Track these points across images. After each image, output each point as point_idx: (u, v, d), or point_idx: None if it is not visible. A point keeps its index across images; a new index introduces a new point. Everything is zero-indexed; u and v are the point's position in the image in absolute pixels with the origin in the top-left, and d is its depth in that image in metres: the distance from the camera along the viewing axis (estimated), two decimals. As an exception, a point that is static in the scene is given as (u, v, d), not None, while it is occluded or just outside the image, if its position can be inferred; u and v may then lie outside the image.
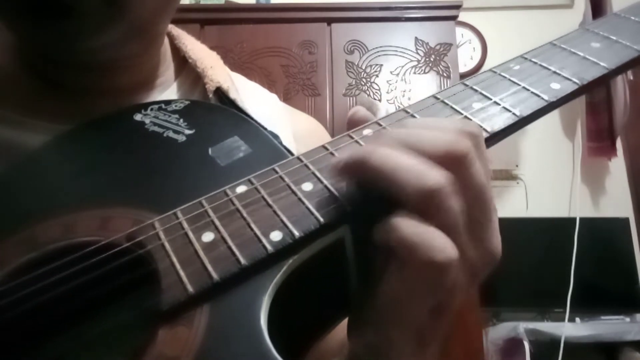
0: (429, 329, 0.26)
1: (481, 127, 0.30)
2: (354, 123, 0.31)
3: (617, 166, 2.27)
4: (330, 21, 1.74)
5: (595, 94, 2.14)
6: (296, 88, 1.66)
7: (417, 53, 1.70)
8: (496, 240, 0.26)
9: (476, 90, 0.33)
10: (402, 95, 1.68)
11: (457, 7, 1.72)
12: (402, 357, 0.26)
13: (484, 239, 0.26)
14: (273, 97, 0.54)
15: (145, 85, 0.43)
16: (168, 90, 0.45)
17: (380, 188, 0.24)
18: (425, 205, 0.23)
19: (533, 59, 0.36)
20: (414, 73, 1.69)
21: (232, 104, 0.43)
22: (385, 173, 0.24)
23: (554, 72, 0.34)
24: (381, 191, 0.24)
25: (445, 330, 0.27)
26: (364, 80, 1.68)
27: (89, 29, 0.34)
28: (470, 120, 0.31)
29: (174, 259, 0.25)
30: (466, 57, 2.21)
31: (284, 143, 0.35)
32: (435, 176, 0.23)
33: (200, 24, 1.69)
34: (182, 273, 0.24)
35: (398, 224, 0.23)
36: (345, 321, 0.30)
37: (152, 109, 0.37)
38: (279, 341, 0.23)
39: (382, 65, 1.70)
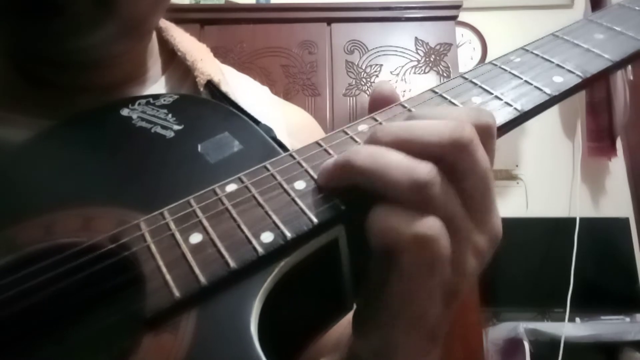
0: (442, 321, 0.26)
1: None
2: (379, 100, 0.30)
3: (617, 166, 2.27)
4: (330, 21, 1.73)
5: (595, 94, 2.14)
6: (296, 88, 1.66)
7: (417, 53, 1.70)
8: (497, 220, 0.27)
9: (476, 84, 0.32)
10: (402, 95, 1.67)
11: (457, 7, 1.72)
12: (415, 356, 0.26)
13: (487, 222, 0.26)
14: (265, 90, 0.53)
15: (132, 80, 0.43)
16: (156, 84, 0.44)
17: (371, 188, 0.24)
18: (419, 199, 0.23)
19: (534, 51, 0.34)
20: (414, 73, 1.69)
21: (224, 97, 0.42)
22: (372, 173, 0.24)
23: (557, 65, 0.33)
24: (372, 190, 0.24)
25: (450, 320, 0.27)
26: (364, 80, 1.68)
27: (79, 28, 0.34)
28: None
29: (160, 262, 0.24)
30: (466, 57, 2.21)
31: (278, 137, 0.34)
32: (423, 169, 0.23)
33: (200, 24, 1.68)
34: (168, 276, 0.23)
35: (384, 214, 0.23)
36: (341, 321, 0.29)
37: (139, 104, 0.35)
38: (269, 347, 0.22)
39: (382, 65, 1.70)
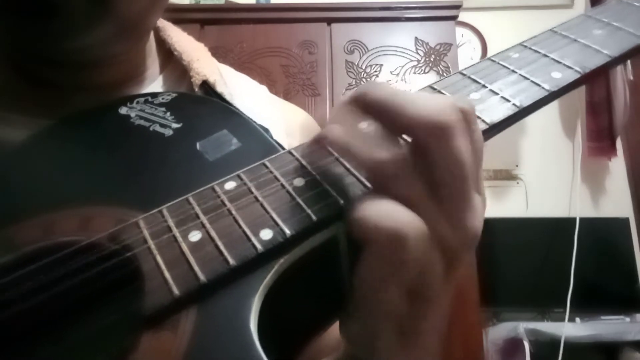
0: (408, 317, 0.25)
1: (480, 118, 0.29)
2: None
3: (617, 166, 2.27)
4: (330, 21, 1.73)
5: (595, 94, 2.14)
6: (296, 88, 1.66)
7: (417, 53, 1.70)
8: (474, 221, 0.25)
9: (474, 80, 0.32)
10: (402, 95, 1.68)
11: (457, 7, 1.72)
12: (389, 350, 0.25)
13: (458, 218, 0.24)
14: (262, 89, 0.53)
15: (130, 79, 0.43)
16: (153, 83, 0.44)
17: (344, 157, 0.25)
18: (382, 180, 0.23)
19: (533, 47, 0.34)
20: (414, 73, 1.69)
21: (219, 97, 0.42)
22: (341, 150, 0.25)
23: (555, 61, 0.33)
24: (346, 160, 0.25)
25: (433, 321, 0.26)
26: (364, 80, 1.68)
27: (76, 28, 0.34)
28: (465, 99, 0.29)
29: (159, 260, 0.24)
30: (466, 57, 2.21)
31: (275, 137, 0.34)
32: (388, 149, 0.23)
33: (200, 24, 1.68)
34: (167, 274, 0.23)
35: (358, 203, 0.23)
36: None
37: (138, 102, 0.35)
38: (269, 345, 0.22)
39: (382, 65, 1.70)
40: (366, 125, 0.25)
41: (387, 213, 0.22)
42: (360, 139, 0.24)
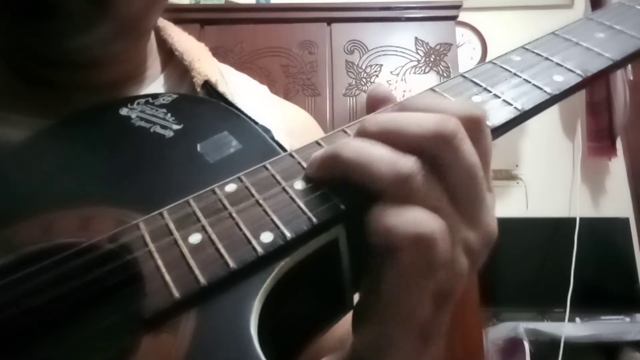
0: (432, 322, 0.25)
1: None
2: (375, 101, 0.30)
3: (617, 166, 2.27)
4: (330, 21, 1.73)
5: (595, 94, 2.14)
6: (296, 88, 1.66)
7: (417, 53, 1.70)
8: (491, 220, 0.26)
9: (475, 83, 0.32)
10: (402, 96, 1.68)
11: (457, 7, 1.72)
12: (406, 354, 0.25)
13: (477, 219, 0.25)
14: (263, 89, 0.53)
15: (131, 79, 0.42)
16: (154, 83, 0.44)
17: (356, 182, 0.24)
18: (403, 192, 0.23)
19: (535, 50, 0.34)
20: (414, 73, 1.69)
21: (221, 97, 0.42)
22: (357, 165, 0.24)
23: (557, 64, 0.33)
24: (358, 184, 0.24)
25: (447, 323, 0.27)
26: (364, 80, 1.68)
27: (75, 28, 0.34)
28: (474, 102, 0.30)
29: (159, 262, 0.24)
30: (466, 57, 2.21)
31: (276, 138, 0.34)
32: (406, 163, 0.23)
33: (200, 24, 1.68)
34: (167, 277, 0.23)
35: (379, 213, 0.23)
36: (343, 319, 0.29)
37: (138, 103, 0.35)
38: (269, 348, 0.22)
39: (382, 65, 1.70)
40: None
41: (414, 220, 0.23)
42: (378, 159, 0.24)
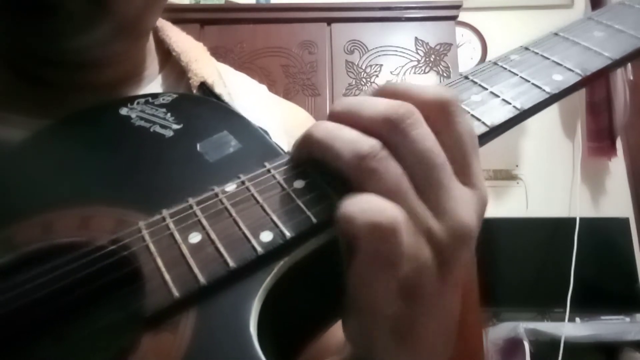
0: (404, 318, 0.24)
1: (480, 120, 0.29)
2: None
3: (617, 166, 2.28)
4: (330, 21, 1.73)
5: (595, 94, 2.14)
6: (296, 88, 1.66)
7: (417, 53, 1.70)
8: (462, 211, 0.24)
9: (475, 82, 0.32)
10: (402, 95, 1.68)
11: (457, 7, 1.72)
12: (386, 351, 0.25)
13: (441, 208, 0.24)
14: (262, 88, 0.52)
15: (129, 79, 0.42)
16: (152, 83, 0.44)
17: (326, 160, 0.25)
18: (360, 172, 0.24)
19: (534, 50, 0.34)
20: (414, 73, 1.69)
21: (218, 99, 0.42)
22: (324, 144, 0.25)
23: (556, 63, 0.33)
24: (327, 162, 0.25)
25: (433, 323, 0.26)
26: (364, 80, 1.68)
27: (74, 28, 0.34)
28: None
29: (159, 261, 0.24)
30: (466, 57, 2.21)
31: (274, 138, 0.34)
32: (366, 142, 0.24)
33: (200, 24, 1.68)
34: (167, 276, 0.23)
35: (342, 204, 0.23)
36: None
37: (138, 103, 0.35)
38: (269, 347, 0.22)
39: (382, 65, 1.70)
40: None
41: (369, 207, 0.22)
42: (340, 138, 0.25)
